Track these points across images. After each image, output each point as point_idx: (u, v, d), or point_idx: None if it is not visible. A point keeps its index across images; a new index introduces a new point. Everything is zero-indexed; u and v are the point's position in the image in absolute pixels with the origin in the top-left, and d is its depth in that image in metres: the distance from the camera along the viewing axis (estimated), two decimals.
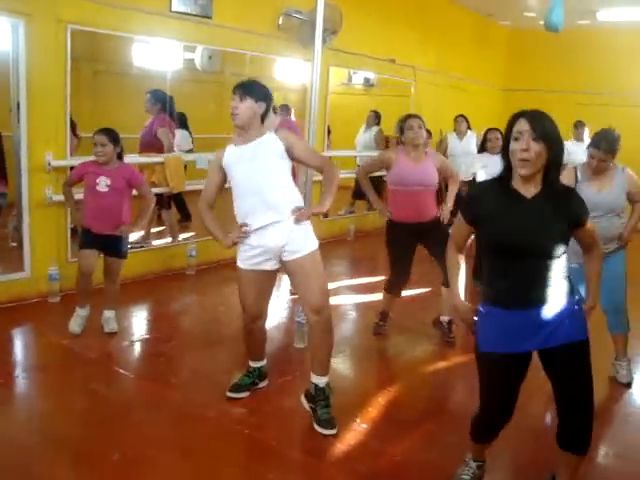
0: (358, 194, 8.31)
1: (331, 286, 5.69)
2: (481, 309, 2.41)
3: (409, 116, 4.34)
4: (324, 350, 3.21)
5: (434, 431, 3.29)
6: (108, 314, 4.30)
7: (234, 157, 3.16)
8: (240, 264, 3.24)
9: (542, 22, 7.41)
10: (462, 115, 8.03)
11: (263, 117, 3.18)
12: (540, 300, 2.28)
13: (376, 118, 8.46)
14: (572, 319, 2.32)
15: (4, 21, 4.39)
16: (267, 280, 3.29)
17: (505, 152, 2.27)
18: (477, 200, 2.41)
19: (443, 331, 4.51)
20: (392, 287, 4.56)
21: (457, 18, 9.46)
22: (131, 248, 5.50)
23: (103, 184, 4.05)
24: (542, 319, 2.28)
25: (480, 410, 2.52)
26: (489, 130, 5.79)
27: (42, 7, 4.50)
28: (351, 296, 5.58)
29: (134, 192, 4.30)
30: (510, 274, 2.29)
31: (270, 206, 3.09)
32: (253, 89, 3.13)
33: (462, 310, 2.53)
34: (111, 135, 4.07)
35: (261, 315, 3.36)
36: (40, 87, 4.57)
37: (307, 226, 3.18)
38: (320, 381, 3.23)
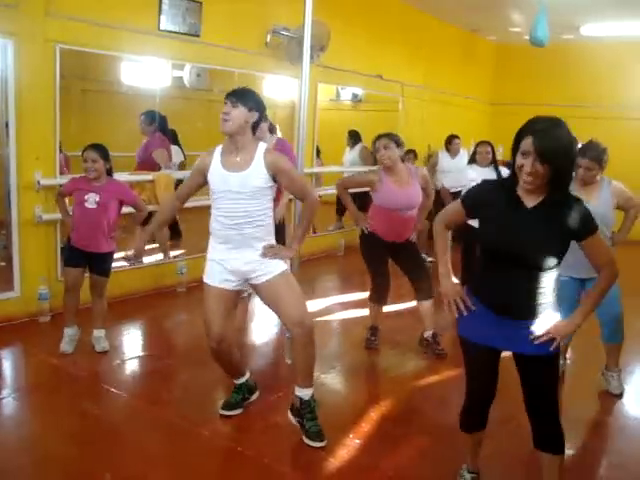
0: (341, 210, 8.40)
1: (322, 302, 5.73)
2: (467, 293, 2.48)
3: (378, 137, 4.29)
4: (307, 362, 3.20)
5: (427, 445, 3.29)
6: (98, 333, 4.28)
7: (220, 181, 3.08)
8: (206, 279, 3.22)
9: (527, 37, 7.53)
10: (457, 136, 8.06)
11: (254, 128, 3.10)
12: (521, 316, 2.33)
13: (352, 137, 8.50)
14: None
15: None
16: (231, 299, 3.25)
17: (512, 161, 2.25)
18: (480, 194, 2.41)
19: (431, 346, 4.52)
20: (375, 296, 4.61)
21: (444, 34, 9.56)
22: (121, 266, 5.51)
23: (92, 200, 4.06)
24: (519, 327, 2.34)
25: (465, 393, 2.61)
26: (480, 143, 5.84)
27: (31, 27, 4.51)
28: (342, 311, 5.58)
29: (124, 209, 4.31)
30: (496, 281, 2.34)
31: (246, 242, 3.10)
32: (247, 97, 3.04)
33: (451, 292, 2.48)
34: (101, 151, 4.08)
35: (225, 336, 3.21)
36: (29, 106, 4.57)
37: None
38: (305, 394, 3.22)
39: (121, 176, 5.66)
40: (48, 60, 4.66)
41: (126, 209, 4.37)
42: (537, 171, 2.14)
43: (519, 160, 2.19)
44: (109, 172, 4.18)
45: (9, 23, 4.39)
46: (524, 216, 2.26)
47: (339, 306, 5.73)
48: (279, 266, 3.16)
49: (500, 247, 2.29)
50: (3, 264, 5.06)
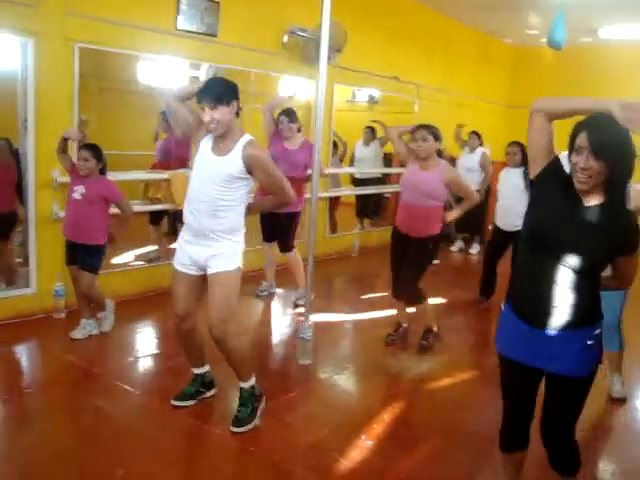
0: (362, 212, 8.38)
1: (334, 303, 5.72)
2: (502, 306, 2.37)
3: (417, 127, 4.32)
4: (229, 360, 3.31)
5: (440, 448, 3.28)
6: (100, 315, 4.51)
7: (199, 159, 3.17)
8: (174, 264, 3.32)
9: (545, 40, 7.48)
10: (475, 132, 8.11)
11: (238, 113, 3.14)
12: (551, 321, 2.17)
13: (372, 133, 8.50)
14: (580, 354, 2.20)
15: (14, 40, 4.44)
16: (195, 283, 3.28)
17: (569, 162, 2.14)
18: (560, 165, 2.21)
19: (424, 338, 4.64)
20: (392, 290, 4.64)
21: (460, 36, 9.52)
22: (143, 263, 5.58)
23: (78, 192, 4.22)
24: (548, 340, 2.20)
25: (502, 411, 2.49)
26: (510, 143, 5.86)
27: (51, 26, 4.56)
28: (354, 312, 5.57)
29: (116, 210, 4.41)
30: (530, 278, 2.20)
31: (203, 232, 3.14)
32: (218, 93, 3.03)
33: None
34: (94, 151, 4.23)
35: (189, 316, 3.33)
36: (48, 104, 4.61)
37: (233, 248, 3.18)
38: (243, 384, 3.37)
39: (136, 175, 5.74)
40: (67, 59, 4.70)
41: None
42: (591, 167, 2.03)
43: (574, 158, 2.09)
44: (102, 171, 4.30)
45: (29, 22, 4.43)
46: (577, 210, 2.13)
47: (351, 307, 5.71)
48: (231, 264, 3.17)
49: (542, 231, 2.17)
50: (20, 261, 5.10)
